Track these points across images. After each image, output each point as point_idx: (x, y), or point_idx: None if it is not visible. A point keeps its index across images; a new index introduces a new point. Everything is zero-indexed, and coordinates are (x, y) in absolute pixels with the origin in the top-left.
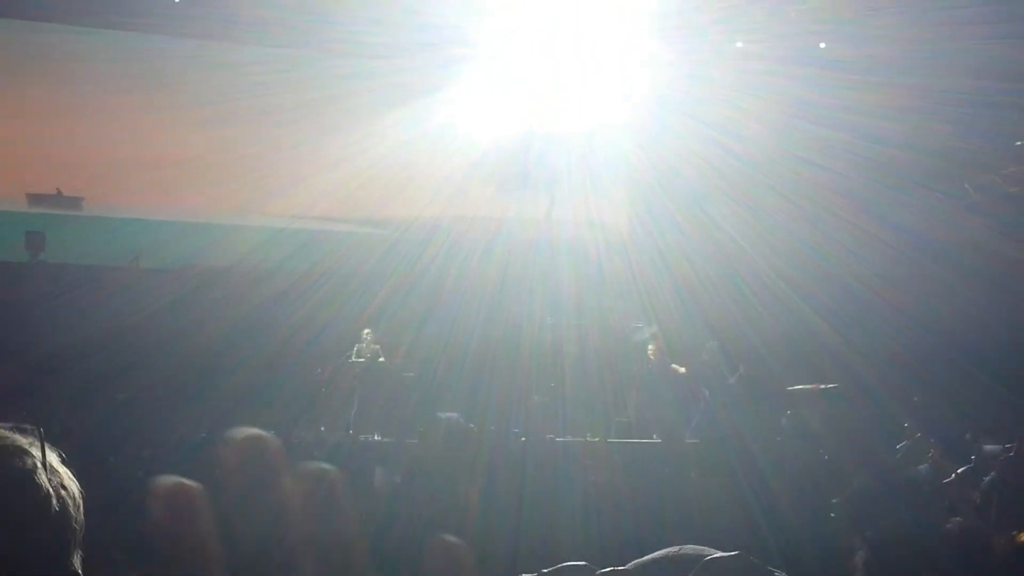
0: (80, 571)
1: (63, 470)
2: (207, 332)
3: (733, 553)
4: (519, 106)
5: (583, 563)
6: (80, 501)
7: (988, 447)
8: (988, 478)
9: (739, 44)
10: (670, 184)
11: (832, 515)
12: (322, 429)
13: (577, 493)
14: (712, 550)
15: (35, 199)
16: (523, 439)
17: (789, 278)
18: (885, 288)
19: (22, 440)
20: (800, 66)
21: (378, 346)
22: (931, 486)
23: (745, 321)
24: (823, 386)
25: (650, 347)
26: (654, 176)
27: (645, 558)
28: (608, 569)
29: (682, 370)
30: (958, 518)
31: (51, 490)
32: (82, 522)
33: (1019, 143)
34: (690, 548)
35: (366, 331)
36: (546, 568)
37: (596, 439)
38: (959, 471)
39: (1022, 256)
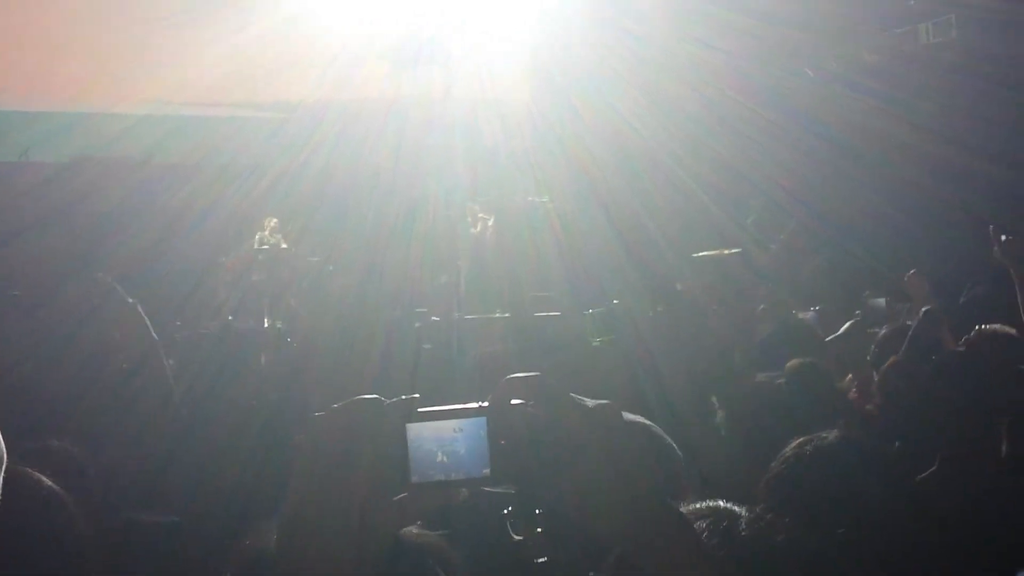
0: None
1: None
2: (103, 226)
3: (532, 374)
4: None
5: (374, 396)
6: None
7: (875, 300)
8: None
9: None
10: (570, 65)
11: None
12: (230, 318)
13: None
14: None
15: None
16: (434, 319)
17: (681, 160)
18: (769, 164)
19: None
20: None
21: (280, 233)
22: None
23: (639, 203)
24: (726, 252)
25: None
26: (553, 57)
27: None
28: (396, 399)
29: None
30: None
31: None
32: None
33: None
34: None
35: (269, 220)
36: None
37: (506, 315)
38: (847, 324)
39: (886, 125)
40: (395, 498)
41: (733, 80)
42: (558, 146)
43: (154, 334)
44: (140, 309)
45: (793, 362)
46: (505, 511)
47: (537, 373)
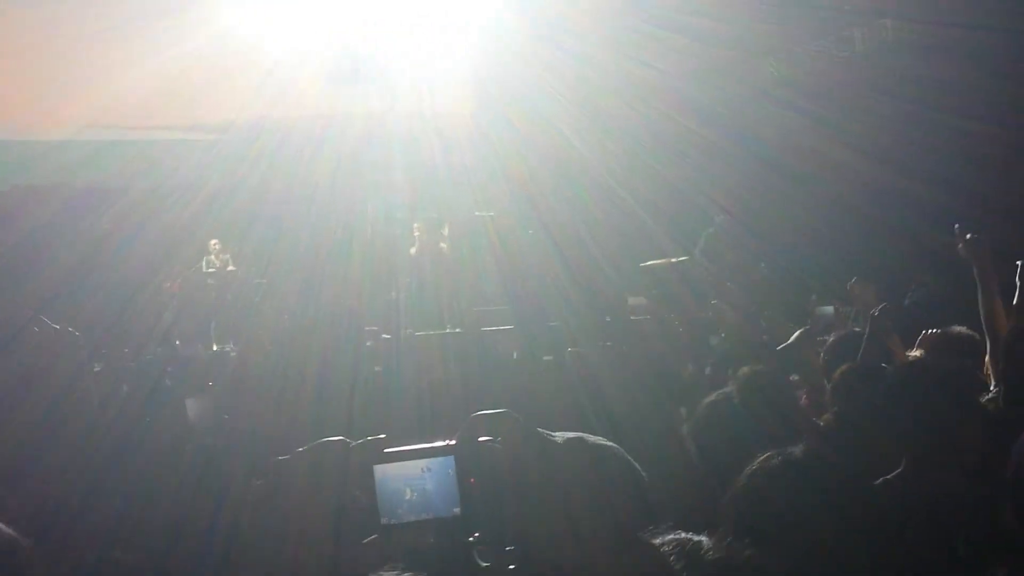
0: None
1: None
2: (42, 255)
3: (499, 411)
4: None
5: (340, 438)
6: None
7: (823, 308)
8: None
9: None
10: (510, 82)
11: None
12: (176, 343)
13: (422, 385)
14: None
15: None
16: (384, 336)
17: (618, 175)
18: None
19: None
20: None
21: (228, 255)
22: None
23: (578, 219)
24: (674, 260)
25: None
26: (492, 74)
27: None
28: (362, 440)
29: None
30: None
31: None
32: None
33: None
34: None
35: (213, 241)
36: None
37: (457, 330)
38: (797, 332)
39: (816, 140)
40: (364, 541)
41: (669, 98)
42: (498, 162)
43: (83, 359)
44: (69, 335)
45: (744, 370)
46: (471, 538)
47: (504, 410)
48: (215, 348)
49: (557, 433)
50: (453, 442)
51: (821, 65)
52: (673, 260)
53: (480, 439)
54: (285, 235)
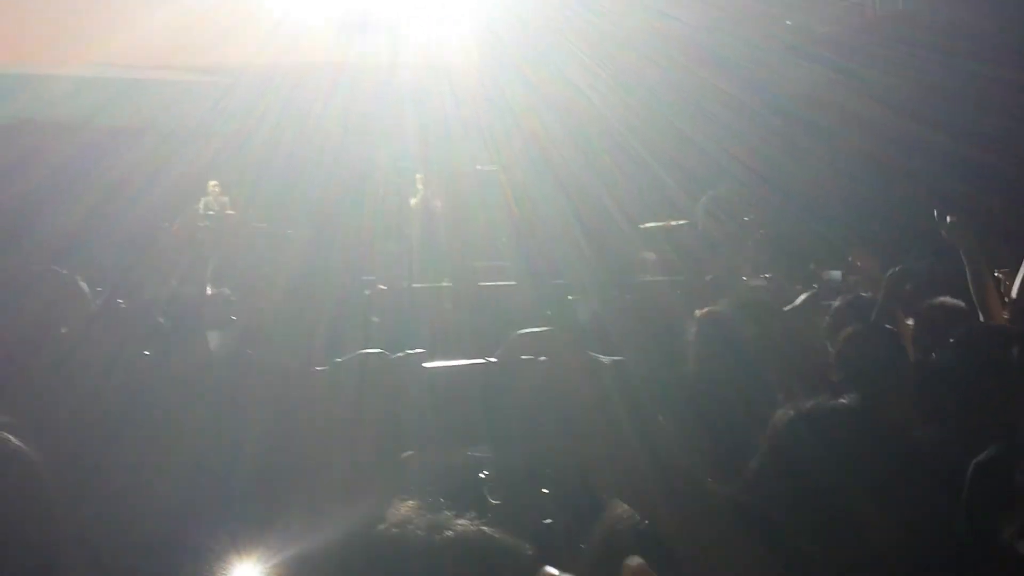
0: None
1: None
2: (42, 190)
3: (545, 328)
4: None
5: (378, 350)
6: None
7: (831, 272)
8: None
9: None
10: (521, 35)
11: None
12: (174, 284)
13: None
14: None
15: None
16: (382, 287)
17: (634, 129)
18: (731, 139)
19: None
20: None
21: (226, 198)
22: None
23: (591, 173)
24: (674, 223)
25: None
26: (504, 25)
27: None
28: (402, 353)
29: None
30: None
31: None
32: None
33: None
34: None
35: (212, 183)
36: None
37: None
38: (803, 295)
39: (836, 96)
40: (402, 455)
41: (687, 50)
42: (510, 115)
43: (93, 305)
44: (79, 282)
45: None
46: (482, 475)
47: (551, 328)
48: (209, 290)
49: (603, 356)
50: (493, 360)
51: (845, 16)
52: (673, 223)
53: (522, 357)
54: (290, 181)
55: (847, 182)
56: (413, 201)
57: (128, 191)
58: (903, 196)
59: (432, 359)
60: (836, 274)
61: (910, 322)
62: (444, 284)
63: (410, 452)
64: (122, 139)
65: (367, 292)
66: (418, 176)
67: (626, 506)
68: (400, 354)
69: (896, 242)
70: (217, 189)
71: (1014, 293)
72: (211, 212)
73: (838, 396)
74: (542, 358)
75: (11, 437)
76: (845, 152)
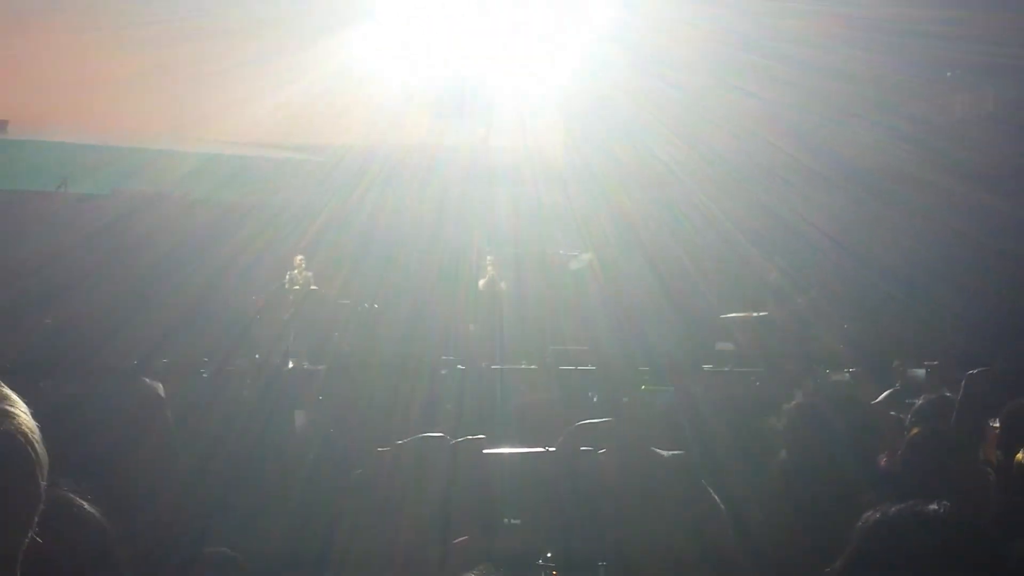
0: None
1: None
2: (137, 260)
3: (605, 419)
4: (456, 34)
5: (439, 433)
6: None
7: (914, 370)
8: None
9: None
10: (605, 112)
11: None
12: (256, 357)
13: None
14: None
15: None
16: (460, 367)
17: (723, 206)
18: (817, 216)
19: None
20: None
21: (311, 273)
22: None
23: (680, 249)
24: (755, 314)
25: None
26: (588, 104)
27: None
28: (462, 439)
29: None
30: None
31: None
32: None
33: (949, 73)
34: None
35: (298, 257)
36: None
37: (532, 366)
38: (886, 393)
39: (949, 184)
40: (456, 541)
41: (772, 127)
42: (599, 194)
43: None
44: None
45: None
46: (540, 561)
47: (610, 419)
48: (291, 364)
49: (664, 451)
50: (553, 449)
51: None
52: (754, 315)
53: (581, 448)
54: (382, 260)
55: (929, 275)
56: (481, 283)
57: (222, 263)
58: (980, 293)
59: (494, 444)
60: (919, 372)
61: (995, 423)
62: (523, 366)
63: (463, 537)
64: (217, 213)
65: (443, 372)
66: (488, 259)
67: None
68: (460, 439)
69: (969, 341)
70: (303, 263)
71: None
72: (296, 287)
73: (927, 503)
74: (601, 450)
75: (84, 503)
76: (927, 244)
